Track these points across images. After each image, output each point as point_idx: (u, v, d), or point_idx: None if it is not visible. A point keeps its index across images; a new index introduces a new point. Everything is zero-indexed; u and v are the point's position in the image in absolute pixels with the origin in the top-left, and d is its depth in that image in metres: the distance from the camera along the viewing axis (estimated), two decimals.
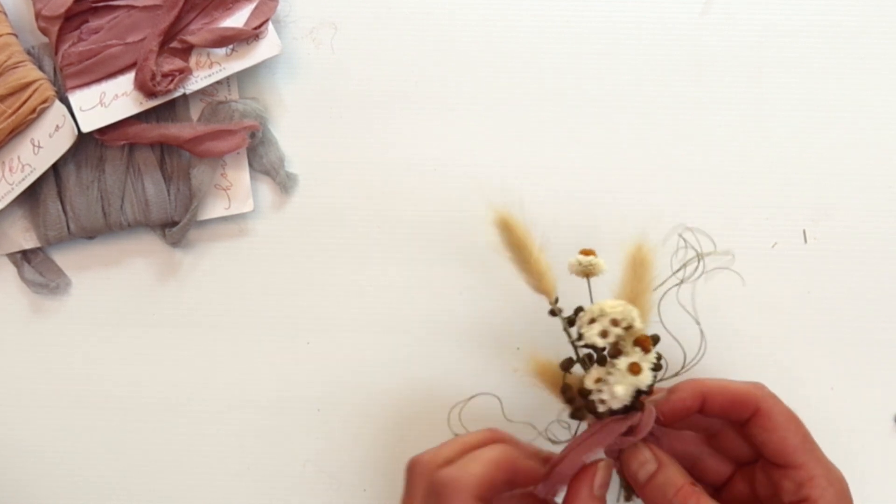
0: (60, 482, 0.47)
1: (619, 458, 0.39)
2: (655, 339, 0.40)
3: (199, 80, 0.46)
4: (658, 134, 0.48)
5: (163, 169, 0.47)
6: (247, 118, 0.47)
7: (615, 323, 0.39)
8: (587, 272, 0.41)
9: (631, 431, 0.39)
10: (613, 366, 0.38)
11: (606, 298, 0.40)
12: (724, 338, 0.47)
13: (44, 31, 0.47)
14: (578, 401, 0.39)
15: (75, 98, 0.46)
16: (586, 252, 0.41)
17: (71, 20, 0.47)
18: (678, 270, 0.43)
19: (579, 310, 0.40)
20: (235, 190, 0.47)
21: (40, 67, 0.47)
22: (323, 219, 0.48)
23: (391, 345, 0.47)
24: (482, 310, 0.47)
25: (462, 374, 0.47)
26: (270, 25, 0.47)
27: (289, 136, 0.48)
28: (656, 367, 0.39)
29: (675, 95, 0.48)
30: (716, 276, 0.44)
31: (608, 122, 0.48)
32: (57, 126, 0.46)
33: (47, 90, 0.46)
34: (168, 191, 0.47)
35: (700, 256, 0.43)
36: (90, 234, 0.48)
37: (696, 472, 0.41)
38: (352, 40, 0.49)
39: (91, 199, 0.47)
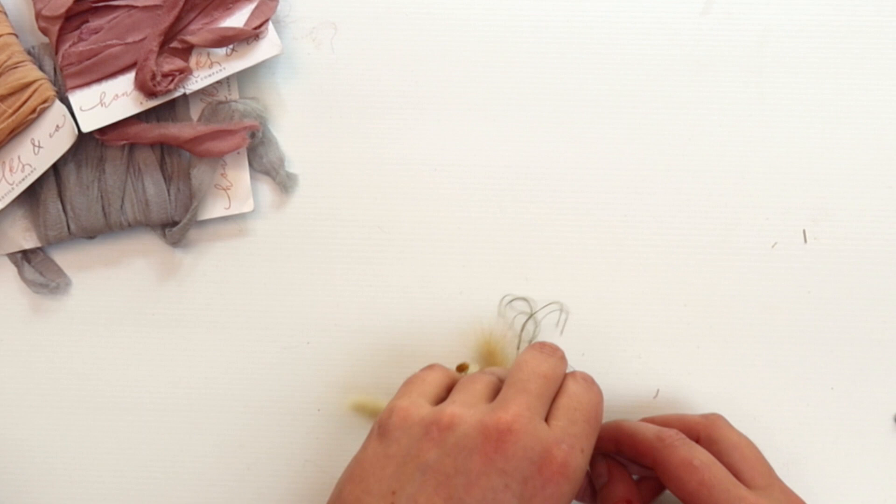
0: (60, 482, 0.47)
1: None
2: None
3: (199, 80, 0.47)
4: (658, 134, 0.48)
5: (163, 169, 0.47)
6: (247, 118, 0.47)
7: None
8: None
9: None
10: None
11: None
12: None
13: (44, 31, 0.47)
14: None
15: (75, 98, 0.46)
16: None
17: (71, 20, 0.47)
18: (519, 335, 0.47)
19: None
20: (235, 190, 0.47)
21: (40, 67, 0.47)
22: (323, 219, 0.48)
23: (391, 345, 0.47)
24: (482, 310, 0.47)
25: None
26: (270, 25, 0.47)
27: (289, 136, 0.48)
28: None
29: (674, 95, 0.48)
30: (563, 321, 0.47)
31: (608, 122, 0.48)
32: (57, 126, 0.46)
33: (47, 90, 0.46)
34: (168, 191, 0.47)
35: (531, 316, 0.47)
36: (90, 234, 0.48)
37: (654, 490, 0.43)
38: (352, 40, 0.49)
39: (91, 198, 0.47)
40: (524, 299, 0.47)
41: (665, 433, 0.40)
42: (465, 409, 0.36)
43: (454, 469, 0.35)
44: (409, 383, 0.40)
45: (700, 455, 0.39)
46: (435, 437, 0.36)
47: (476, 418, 0.36)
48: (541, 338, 0.46)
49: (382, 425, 0.38)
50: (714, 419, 0.42)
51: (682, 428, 0.41)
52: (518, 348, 0.46)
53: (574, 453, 0.35)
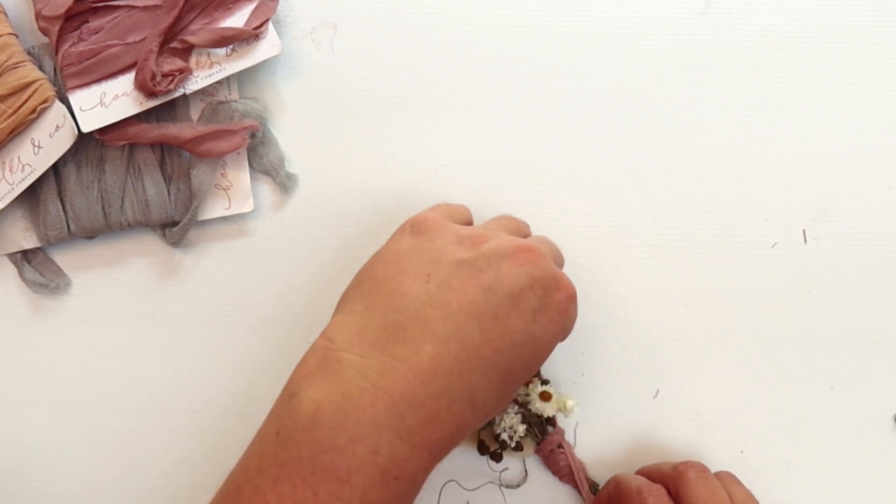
0: (61, 482, 0.47)
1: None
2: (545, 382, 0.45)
3: (199, 80, 0.47)
4: (658, 134, 0.48)
5: (163, 169, 0.47)
6: (247, 118, 0.47)
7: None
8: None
9: None
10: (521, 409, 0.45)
11: None
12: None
13: (44, 32, 0.47)
14: (494, 446, 0.45)
15: (75, 98, 0.46)
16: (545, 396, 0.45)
17: (71, 20, 0.47)
18: None
19: None
20: (235, 190, 0.47)
21: (40, 67, 0.47)
22: (323, 219, 0.48)
23: None
24: None
25: None
26: (270, 25, 0.47)
27: (289, 136, 0.48)
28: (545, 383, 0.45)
29: (674, 95, 0.48)
30: None
31: (608, 122, 0.48)
32: (57, 126, 0.46)
33: (47, 90, 0.46)
34: (168, 191, 0.47)
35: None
36: (90, 234, 0.48)
37: None
38: (352, 40, 0.49)
39: (91, 199, 0.47)
40: None
41: (644, 487, 0.40)
42: (495, 233, 0.39)
43: (487, 265, 0.37)
44: (437, 207, 0.43)
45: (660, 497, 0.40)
46: (468, 245, 0.38)
47: (508, 239, 0.38)
48: None
49: (416, 225, 0.40)
50: (724, 476, 0.42)
51: (655, 477, 0.42)
52: None
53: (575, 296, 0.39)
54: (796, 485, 0.45)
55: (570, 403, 0.44)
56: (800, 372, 0.46)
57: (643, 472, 0.43)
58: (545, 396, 0.44)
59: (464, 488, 0.46)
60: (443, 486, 0.46)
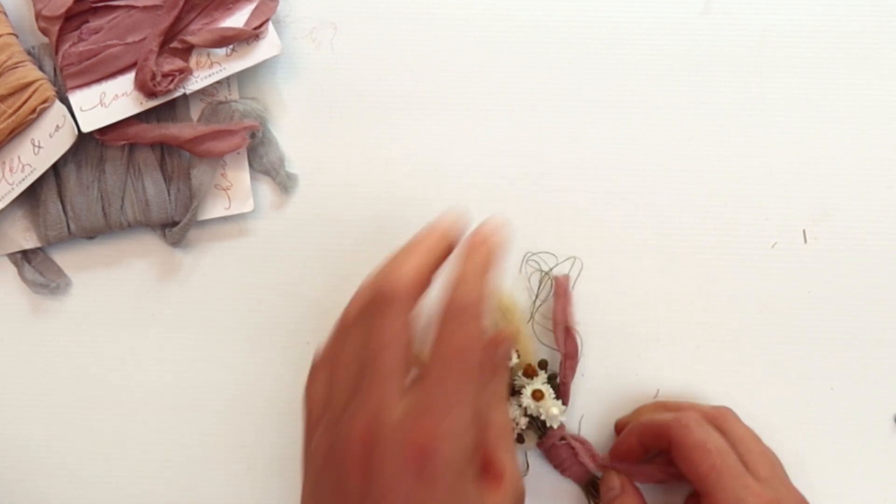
0: (60, 482, 0.47)
1: (588, 482, 0.45)
2: (542, 364, 0.46)
3: (199, 80, 0.47)
4: (658, 134, 0.48)
5: (163, 169, 0.47)
6: (247, 118, 0.47)
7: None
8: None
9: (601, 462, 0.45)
10: (520, 401, 0.44)
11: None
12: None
13: (44, 32, 0.47)
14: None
15: (75, 98, 0.46)
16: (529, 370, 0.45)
17: (71, 20, 0.47)
18: (536, 296, 0.47)
19: None
20: (235, 190, 0.47)
21: (40, 67, 0.47)
22: (323, 219, 0.48)
23: None
24: None
25: None
26: (270, 25, 0.47)
27: (289, 136, 0.48)
28: (552, 383, 0.45)
29: (674, 95, 0.48)
30: (585, 280, 0.47)
31: (608, 122, 0.48)
32: (57, 126, 0.46)
33: (47, 90, 0.46)
34: (168, 191, 0.47)
35: (547, 273, 0.47)
36: (90, 234, 0.48)
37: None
38: (352, 40, 0.49)
39: (91, 199, 0.47)
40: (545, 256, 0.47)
41: (683, 416, 0.41)
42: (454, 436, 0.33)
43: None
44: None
45: (715, 440, 0.40)
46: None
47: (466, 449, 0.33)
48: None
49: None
50: (724, 411, 0.43)
51: (652, 428, 0.42)
52: (534, 307, 0.47)
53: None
54: (796, 485, 0.45)
55: (554, 411, 0.44)
56: (800, 372, 0.46)
57: (668, 407, 0.44)
58: (537, 395, 0.44)
59: None
60: None
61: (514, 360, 0.45)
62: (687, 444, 0.40)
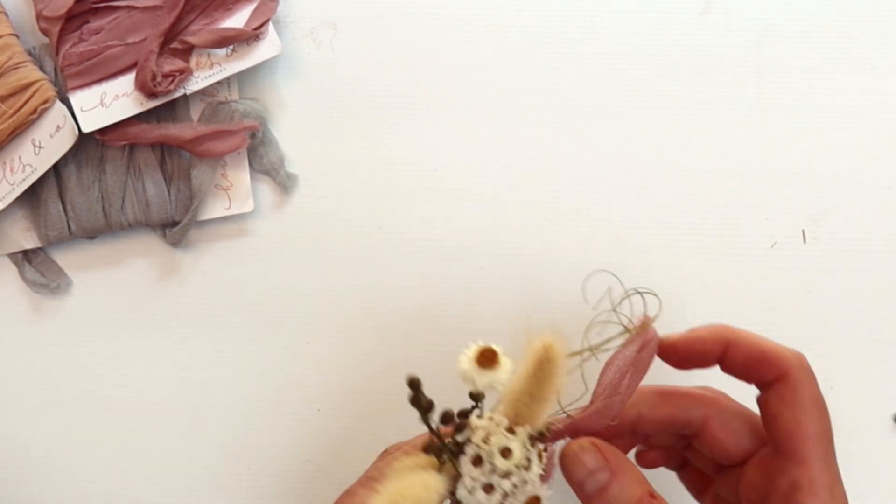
0: (60, 482, 0.47)
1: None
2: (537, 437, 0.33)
3: (199, 80, 0.47)
4: (658, 134, 0.48)
5: (163, 169, 0.47)
6: (247, 118, 0.47)
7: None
8: (476, 389, 0.32)
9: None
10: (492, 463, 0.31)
11: (488, 413, 0.33)
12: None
13: (45, 32, 0.47)
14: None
15: (76, 98, 0.46)
16: (486, 358, 0.31)
17: (72, 21, 0.47)
18: (599, 346, 0.35)
19: (460, 426, 0.32)
20: (235, 190, 0.47)
21: (41, 68, 0.47)
22: (323, 219, 0.48)
23: (392, 344, 0.47)
24: (482, 310, 0.47)
25: None
26: (270, 26, 0.47)
27: (289, 136, 0.48)
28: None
29: (674, 95, 0.48)
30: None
31: (608, 123, 0.48)
32: (58, 126, 0.46)
33: (48, 91, 0.46)
34: (168, 191, 0.47)
35: (630, 332, 0.35)
36: (91, 234, 0.48)
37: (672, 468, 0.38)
38: (352, 40, 0.49)
39: (92, 199, 0.47)
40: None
41: (801, 354, 0.34)
42: None
43: None
44: None
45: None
46: None
47: None
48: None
49: None
50: (802, 358, 0.35)
51: (762, 350, 0.34)
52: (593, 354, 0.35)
53: None
54: None
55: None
56: None
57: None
58: (506, 453, 0.31)
59: None
60: None
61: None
62: (808, 392, 0.32)
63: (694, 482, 0.39)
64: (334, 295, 0.48)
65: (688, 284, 0.47)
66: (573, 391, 0.34)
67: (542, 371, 0.32)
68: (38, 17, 0.47)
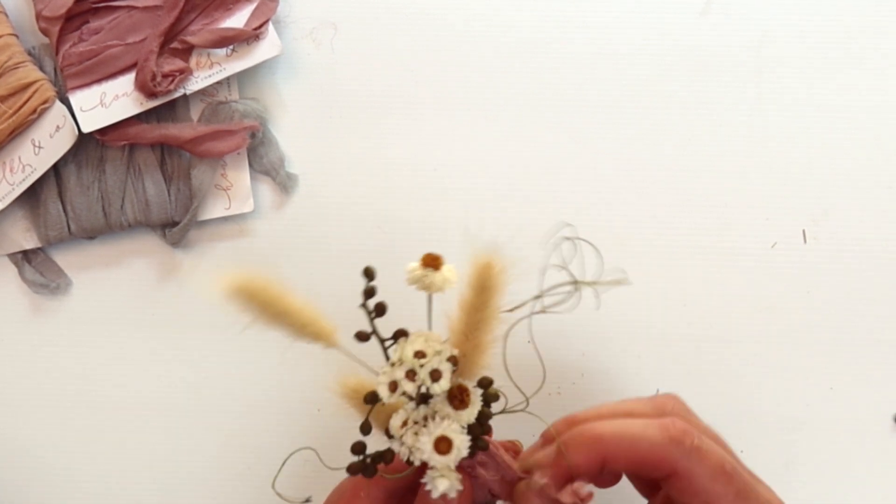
0: (60, 482, 0.47)
1: None
2: (485, 384, 0.33)
3: (199, 80, 0.47)
4: (658, 134, 0.48)
5: (163, 169, 0.47)
6: (247, 118, 0.47)
7: (410, 375, 0.32)
8: (424, 287, 0.33)
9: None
10: (425, 421, 0.32)
11: (430, 331, 0.34)
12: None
13: (44, 32, 0.47)
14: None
15: (76, 98, 0.46)
16: (429, 259, 0.33)
17: (71, 21, 0.47)
18: (538, 297, 0.33)
19: (399, 335, 0.34)
20: (235, 190, 0.47)
21: (41, 68, 0.47)
22: (323, 219, 0.48)
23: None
24: None
25: None
26: (270, 26, 0.47)
27: (289, 136, 0.48)
28: (484, 417, 0.33)
29: (674, 95, 0.48)
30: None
31: (608, 123, 0.48)
32: (57, 126, 0.46)
33: (48, 91, 0.46)
34: (168, 191, 0.47)
35: (577, 285, 0.33)
36: (90, 235, 0.48)
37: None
38: (352, 40, 0.49)
39: (91, 199, 0.47)
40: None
41: (674, 428, 0.32)
42: None
43: None
44: None
45: (726, 455, 0.32)
46: None
47: None
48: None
49: None
50: (675, 402, 0.35)
51: (640, 455, 0.33)
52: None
53: None
54: (796, 484, 0.45)
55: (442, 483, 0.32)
56: (800, 372, 0.46)
57: (604, 413, 0.34)
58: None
59: None
60: None
61: (444, 381, 0.32)
62: (703, 474, 0.31)
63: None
64: (334, 295, 0.48)
65: (688, 284, 0.47)
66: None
67: (480, 290, 0.33)
68: (38, 16, 0.47)
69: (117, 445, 0.47)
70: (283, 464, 0.37)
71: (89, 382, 0.48)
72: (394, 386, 0.32)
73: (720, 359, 0.46)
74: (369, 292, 0.35)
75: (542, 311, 0.33)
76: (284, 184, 0.48)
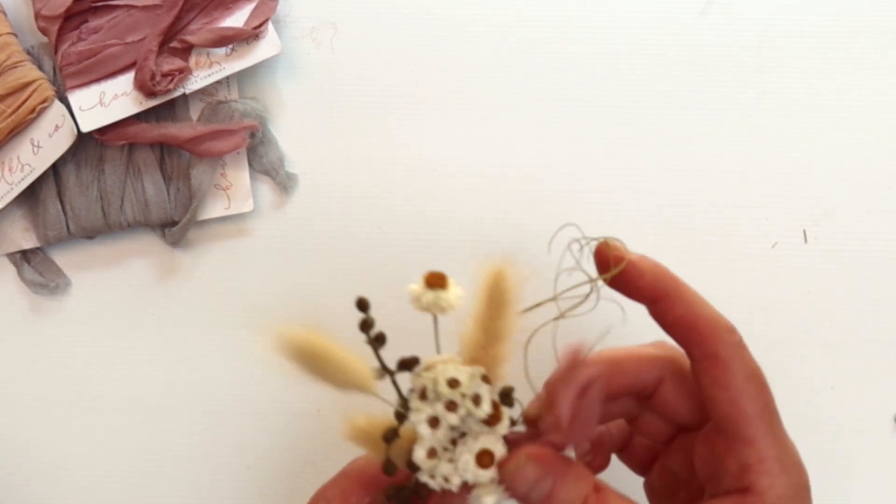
0: (60, 482, 0.47)
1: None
2: (506, 394, 0.32)
3: (198, 79, 0.46)
4: (658, 134, 0.48)
5: (162, 169, 0.47)
6: (247, 118, 0.47)
7: (452, 406, 0.30)
8: (430, 309, 0.32)
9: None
10: (454, 446, 0.31)
11: (445, 354, 0.32)
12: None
13: (43, 31, 0.47)
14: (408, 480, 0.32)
15: (75, 98, 0.46)
16: (434, 278, 0.32)
17: (70, 20, 0.47)
18: (553, 299, 0.33)
19: (410, 363, 0.33)
20: (235, 190, 0.47)
21: (40, 67, 0.47)
22: (323, 219, 0.48)
23: (391, 346, 0.47)
24: None
25: None
26: (270, 25, 0.47)
27: (289, 136, 0.48)
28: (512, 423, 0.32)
29: (674, 95, 0.48)
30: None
31: (608, 122, 0.48)
32: (56, 126, 0.46)
33: (47, 90, 0.46)
34: (168, 191, 0.47)
35: (593, 283, 0.33)
36: (90, 234, 0.48)
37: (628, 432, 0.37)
38: (352, 40, 0.49)
39: (91, 198, 0.47)
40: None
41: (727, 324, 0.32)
42: None
43: None
44: None
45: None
46: None
47: None
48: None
49: None
50: (733, 333, 0.33)
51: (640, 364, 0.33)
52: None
53: None
54: None
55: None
56: (800, 372, 0.46)
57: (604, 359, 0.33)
58: (453, 383, 0.30)
59: None
60: None
61: (485, 405, 0.30)
62: (741, 368, 0.31)
63: (639, 458, 0.37)
64: (334, 295, 0.48)
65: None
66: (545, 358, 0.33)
67: (495, 301, 0.31)
68: (37, 15, 0.47)
69: (117, 445, 0.47)
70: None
71: (89, 382, 0.48)
72: (435, 422, 0.30)
73: None
74: (366, 324, 0.33)
75: (562, 317, 0.33)
76: (284, 183, 0.48)
